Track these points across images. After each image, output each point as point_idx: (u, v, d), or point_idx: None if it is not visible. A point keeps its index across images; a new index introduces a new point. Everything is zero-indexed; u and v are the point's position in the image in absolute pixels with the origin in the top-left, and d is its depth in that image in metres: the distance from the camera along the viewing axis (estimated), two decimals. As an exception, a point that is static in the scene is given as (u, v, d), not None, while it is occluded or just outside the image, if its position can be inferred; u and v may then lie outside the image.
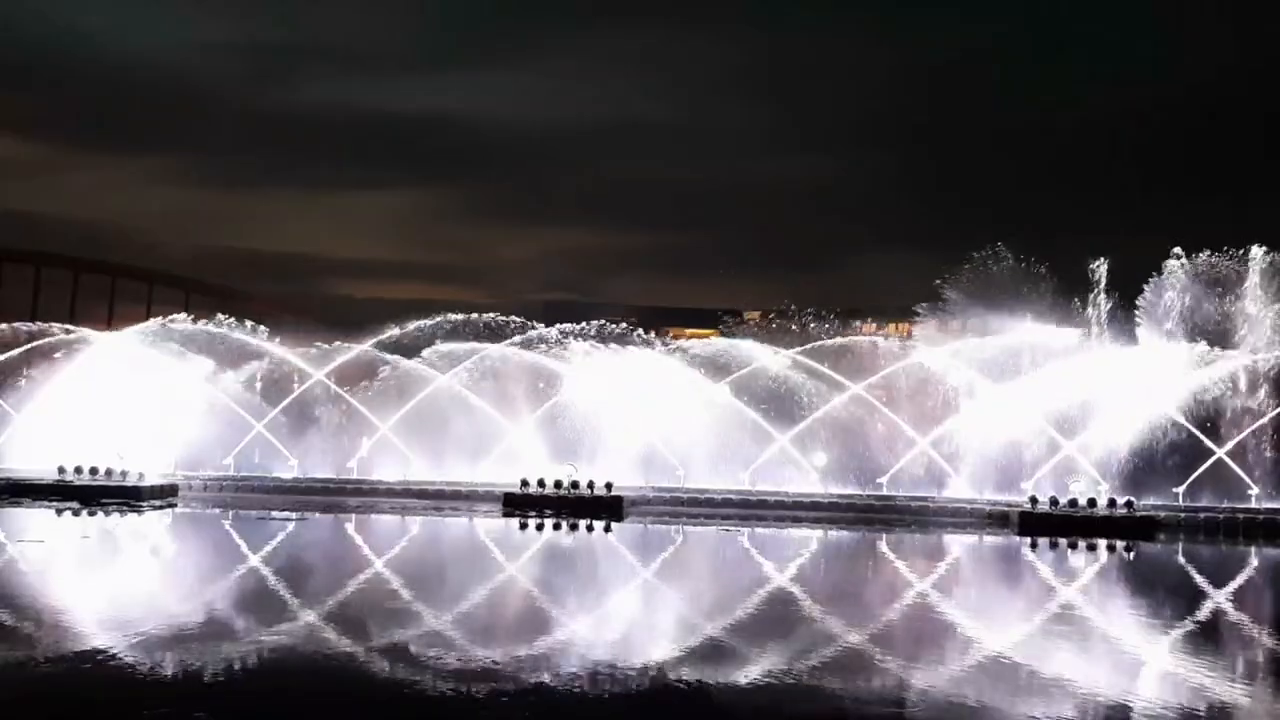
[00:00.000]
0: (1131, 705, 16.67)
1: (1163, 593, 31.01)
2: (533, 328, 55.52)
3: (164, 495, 46.92)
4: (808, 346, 54.02)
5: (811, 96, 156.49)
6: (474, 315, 56.14)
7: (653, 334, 56.86)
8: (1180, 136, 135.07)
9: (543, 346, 54.82)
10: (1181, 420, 48.04)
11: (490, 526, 42.19)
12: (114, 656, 18.40)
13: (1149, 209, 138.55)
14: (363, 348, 55.43)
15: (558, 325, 55.74)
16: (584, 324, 55.32)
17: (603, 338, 54.84)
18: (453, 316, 55.77)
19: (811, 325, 56.96)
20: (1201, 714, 16.34)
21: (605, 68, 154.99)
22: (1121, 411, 48.10)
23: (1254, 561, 39.22)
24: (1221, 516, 45.25)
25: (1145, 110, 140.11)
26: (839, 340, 55.05)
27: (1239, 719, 16.60)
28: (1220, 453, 48.05)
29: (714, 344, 57.05)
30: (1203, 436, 48.10)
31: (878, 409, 52.61)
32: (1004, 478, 48.53)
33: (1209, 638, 23.81)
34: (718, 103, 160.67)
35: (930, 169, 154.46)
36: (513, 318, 55.77)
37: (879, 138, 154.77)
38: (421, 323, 55.81)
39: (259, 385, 56.71)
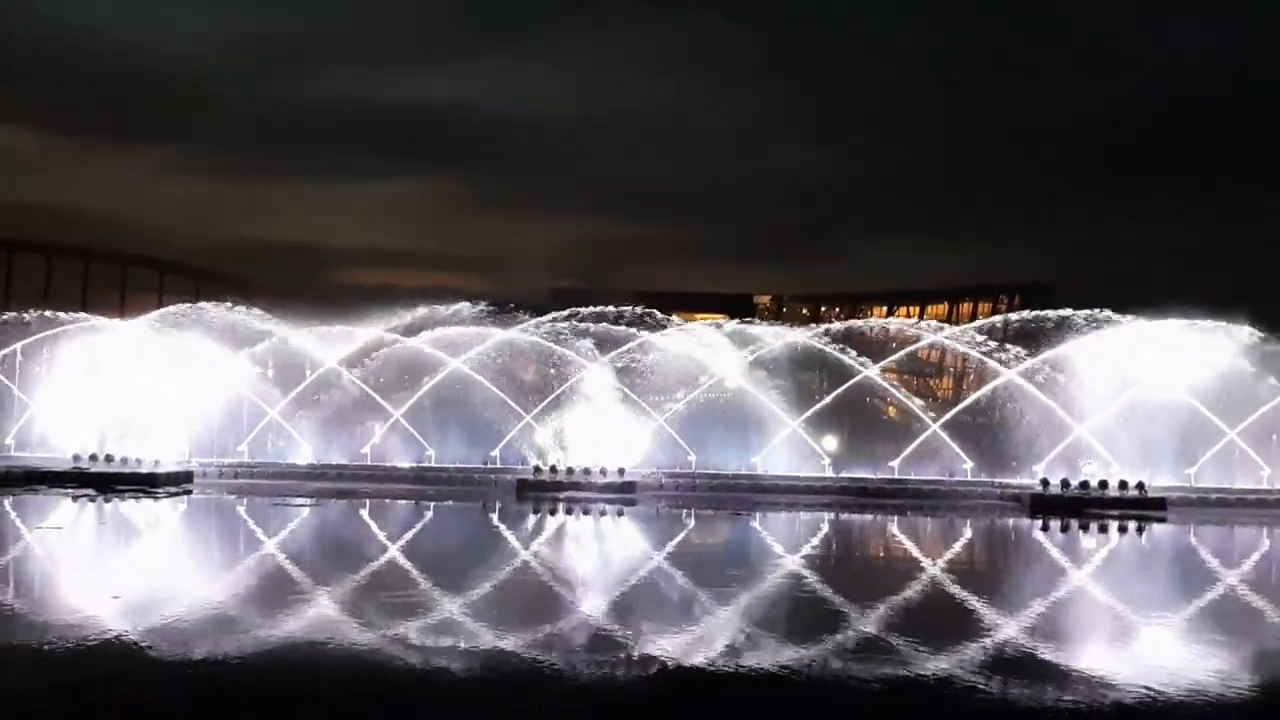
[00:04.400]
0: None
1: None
2: (526, 316, 55.52)
3: (179, 482, 47.16)
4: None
5: (818, 86, 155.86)
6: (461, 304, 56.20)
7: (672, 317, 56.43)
8: (1166, 127, 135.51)
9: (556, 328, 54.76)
10: (1195, 401, 48.03)
11: (504, 512, 42.31)
12: (134, 642, 18.58)
13: (1133, 195, 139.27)
14: (375, 333, 55.54)
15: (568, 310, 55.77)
16: (595, 308, 55.32)
17: (612, 320, 54.81)
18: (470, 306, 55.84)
19: (822, 310, 57.08)
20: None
21: (615, 57, 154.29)
22: (1135, 392, 48.16)
23: (1265, 542, 39.24)
24: (1233, 497, 45.38)
25: (1131, 102, 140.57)
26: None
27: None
28: (1232, 434, 48.07)
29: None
30: (1215, 418, 48.11)
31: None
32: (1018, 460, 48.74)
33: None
34: (727, 92, 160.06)
35: (934, 157, 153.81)
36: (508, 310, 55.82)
37: (886, 127, 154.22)
38: (431, 310, 55.87)
39: (271, 372, 56.94)
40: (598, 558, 32.35)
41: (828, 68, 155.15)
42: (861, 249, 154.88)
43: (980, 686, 16.51)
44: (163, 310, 57.67)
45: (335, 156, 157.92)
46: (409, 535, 36.43)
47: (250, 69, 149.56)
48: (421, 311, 55.51)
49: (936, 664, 17.68)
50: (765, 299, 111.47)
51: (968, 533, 40.10)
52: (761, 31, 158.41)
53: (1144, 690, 16.24)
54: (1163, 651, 19.84)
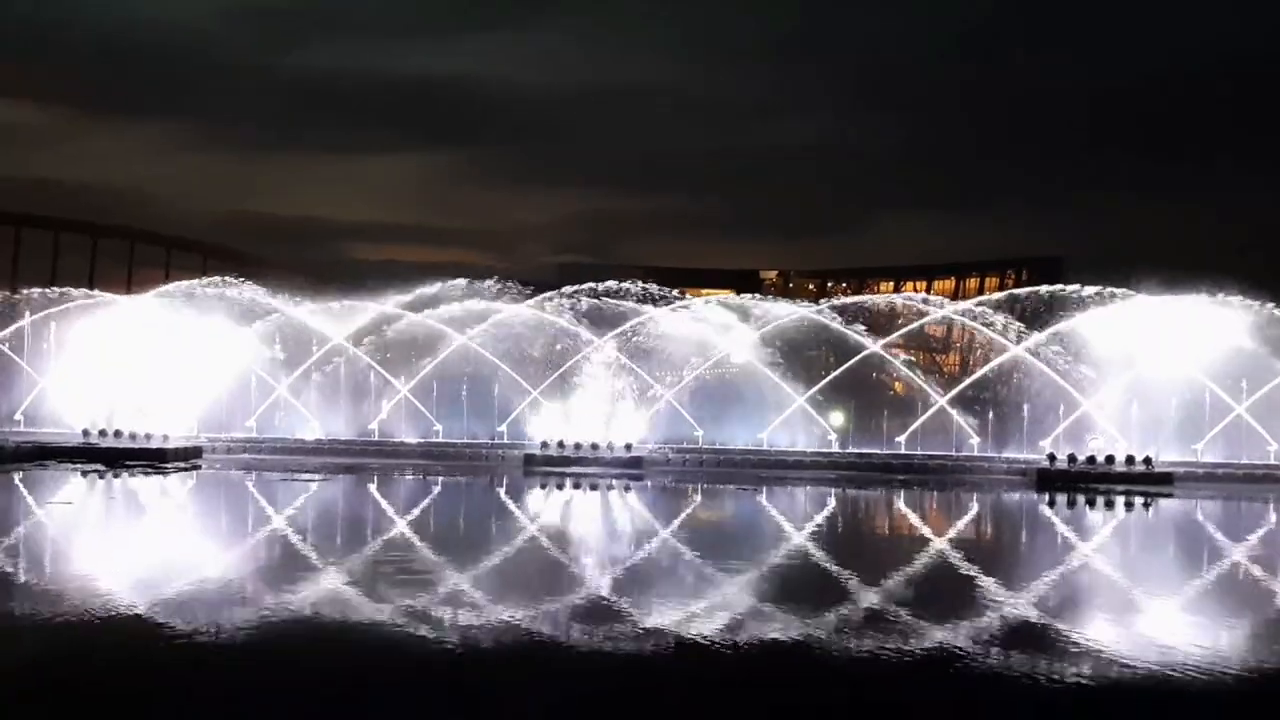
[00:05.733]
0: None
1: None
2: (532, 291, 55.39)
3: (188, 457, 47.34)
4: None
5: (825, 63, 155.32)
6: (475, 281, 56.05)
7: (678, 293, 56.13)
8: (1174, 105, 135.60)
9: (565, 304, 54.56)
10: (1202, 377, 47.90)
11: (511, 487, 42.42)
12: (143, 615, 18.70)
13: (1140, 171, 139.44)
14: (383, 309, 55.48)
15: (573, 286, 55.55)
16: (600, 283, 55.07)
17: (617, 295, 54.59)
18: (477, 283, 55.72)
19: (830, 285, 57.00)
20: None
21: (619, 30, 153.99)
22: (1142, 367, 48.08)
23: (1272, 516, 39.24)
24: (1239, 472, 45.37)
25: (1139, 80, 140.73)
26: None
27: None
28: (1240, 409, 47.99)
29: None
30: (1222, 393, 48.01)
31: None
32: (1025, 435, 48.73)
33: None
34: (734, 68, 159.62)
35: (941, 135, 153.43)
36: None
37: (888, 103, 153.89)
38: (438, 286, 55.77)
39: (278, 347, 57.01)
40: (605, 532, 32.46)
41: (835, 46, 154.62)
42: (869, 225, 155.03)
43: (983, 659, 16.58)
44: (170, 285, 57.78)
45: (340, 131, 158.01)
46: (417, 510, 36.55)
47: (254, 43, 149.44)
48: (428, 288, 55.46)
49: (939, 636, 17.74)
50: (772, 274, 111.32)
51: (974, 507, 40.17)
52: (768, 10, 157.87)
53: (1146, 662, 16.31)
54: (1166, 624, 19.90)
